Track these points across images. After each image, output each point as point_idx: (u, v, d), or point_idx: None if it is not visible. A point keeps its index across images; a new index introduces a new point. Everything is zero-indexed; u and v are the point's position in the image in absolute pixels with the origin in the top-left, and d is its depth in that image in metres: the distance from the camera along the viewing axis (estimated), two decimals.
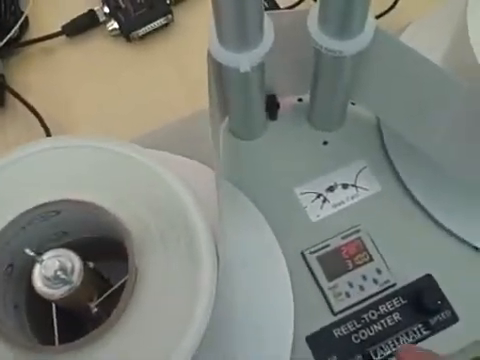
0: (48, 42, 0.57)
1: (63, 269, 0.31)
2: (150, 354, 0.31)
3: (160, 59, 0.57)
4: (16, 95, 0.54)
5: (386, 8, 0.56)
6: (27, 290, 0.34)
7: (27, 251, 0.31)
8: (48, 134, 0.52)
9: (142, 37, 0.58)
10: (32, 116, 0.53)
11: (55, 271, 0.31)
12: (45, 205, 0.33)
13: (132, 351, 0.31)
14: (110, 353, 0.31)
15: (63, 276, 0.31)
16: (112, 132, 0.52)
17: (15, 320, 0.34)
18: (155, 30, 0.58)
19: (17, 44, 0.56)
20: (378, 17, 0.56)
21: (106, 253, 0.37)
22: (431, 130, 0.42)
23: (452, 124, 0.40)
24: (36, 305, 0.34)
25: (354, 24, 0.36)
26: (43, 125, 0.52)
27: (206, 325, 0.31)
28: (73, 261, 0.32)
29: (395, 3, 0.56)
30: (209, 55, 0.37)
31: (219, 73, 0.39)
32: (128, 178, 0.35)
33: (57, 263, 0.31)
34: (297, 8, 0.57)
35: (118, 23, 0.57)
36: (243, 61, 0.36)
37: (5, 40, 0.55)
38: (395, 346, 0.41)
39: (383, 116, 0.46)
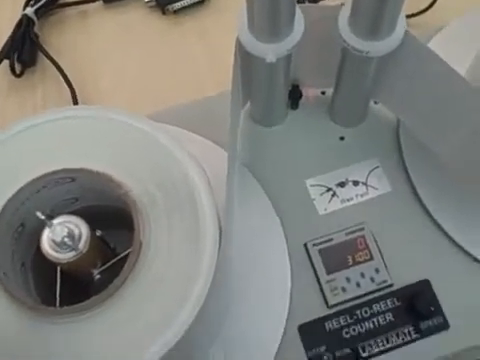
0: (85, 6, 0.58)
1: (71, 236, 0.33)
2: (145, 326, 0.32)
3: (191, 36, 0.58)
4: (48, 55, 0.55)
5: (425, 6, 0.56)
6: (35, 250, 0.35)
7: (38, 214, 0.32)
8: (74, 96, 0.54)
9: (176, 11, 0.59)
10: (61, 77, 0.54)
11: (63, 237, 0.32)
12: (62, 171, 0.35)
13: (127, 322, 0.32)
14: (105, 322, 0.32)
15: (70, 242, 0.33)
16: (135, 102, 0.54)
17: (21, 278, 0.36)
18: (190, 6, 0.58)
19: (54, 5, 0.58)
20: (416, 15, 0.56)
21: (115, 222, 0.38)
22: (449, 137, 0.42)
23: (470, 134, 0.40)
24: (42, 266, 0.36)
25: (384, 26, 0.37)
26: (70, 87, 0.54)
27: (203, 301, 0.32)
28: (81, 228, 0.34)
29: (434, 1, 0.56)
30: (237, 41, 0.38)
31: (245, 59, 0.39)
32: (142, 153, 0.36)
33: (66, 229, 0.33)
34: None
35: None
36: (269, 52, 0.37)
37: (43, 0, 0.56)
38: (384, 345, 0.42)
39: (404, 117, 0.46)
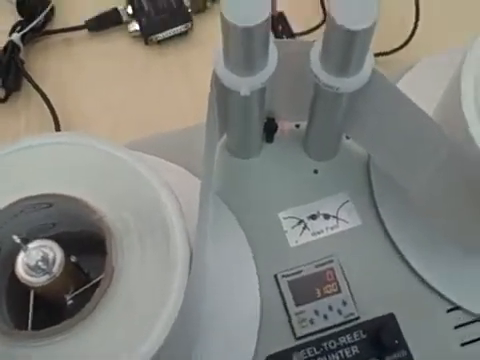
0: (70, 34, 0.60)
1: (45, 259, 0.34)
2: (116, 349, 0.33)
3: (174, 66, 0.60)
4: (32, 82, 0.56)
5: (400, 43, 0.58)
6: (10, 275, 0.36)
7: (14, 238, 0.33)
8: (57, 123, 0.55)
9: (160, 42, 0.60)
10: (44, 104, 0.55)
11: (37, 261, 0.33)
12: (39, 197, 0.36)
13: (98, 345, 0.33)
14: (77, 345, 0.33)
15: (44, 266, 0.33)
16: (117, 130, 0.55)
17: None
18: (173, 37, 0.60)
19: (40, 32, 0.59)
20: (390, 53, 0.58)
21: (89, 248, 0.39)
22: (418, 174, 0.44)
23: (435, 172, 0.42)
24: (16, 290, 0.37)
25: (352, 64, 0.38)
26: (53, 114, 0.55)
27: (172, 325, 0.33)
28: (55, 252, 0.34)
29: (410, 38, 0.59)
30: (213, 74, 0.40)
31: (221, 92, 0.41)
32: (117, 180, 0.37)
33: (40, 253, 0.34)
34: (311, 34, 0.59)
35: (139, 25, 0.59)
36: (244, 85, 0.39)
37: (30, 27, 0.57)
38: None
39: (374, 153, 0.48)
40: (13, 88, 0.56)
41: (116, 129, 0.55)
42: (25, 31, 0.57)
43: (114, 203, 0.36)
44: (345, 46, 0.37)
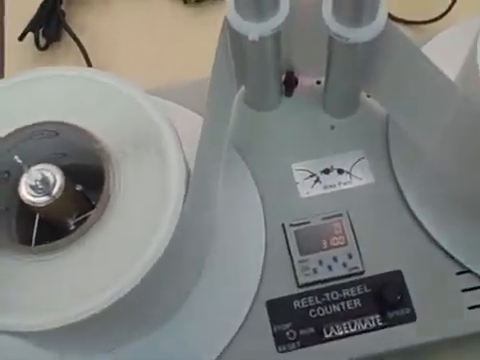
0: None
1: (45, 181, 0.35)
2: (108, 269, 0.35)
3: (210, 26, 0.59)
4: (71, 33, 0.58)
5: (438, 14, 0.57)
6: (19, 199, 0.38)
7: (15, 158, 0.35)
8: None
9: (198, 1, 0.61)
10: (81, 55, 0.58)
11: (36, 181, 0.35)
12: (44, 123, 0.37)
13: (92, 263, 0.35)
14: (72, 260, 0.35)
15: (43, 186, 0.35)
16: (150, 85, 0.56)
17: (4, 220, 0.39)
18: None
19: None
20: (431, 21, 0.57)
21: (97, 182, 0.40)
22: (430, 131, 0.43)
23: (448, 127, 0.41)
24: (25, 213, 0.39)
25: (364, 13, 0.38)
26: (89, 65, 0.57)
27: (164, 249, 0.34)
28: (56, 176, 0.36)
29: (449, 8, 0.57)
30: (225, 21, 0.40)
31: (236, 40, 0.41)
32: (118, 110, 0.38)
33: (40, 175, 0.35)
34: None
35: None
36: (252, 30, 0.39)
37: None
38: (349, 329, 0.43)
39: (391, 110, 0.47)
40: (54, 37, 0.59)
41: (148, 84, 0.56)
42: None
43: (112, 131, 0.37)
44: None
